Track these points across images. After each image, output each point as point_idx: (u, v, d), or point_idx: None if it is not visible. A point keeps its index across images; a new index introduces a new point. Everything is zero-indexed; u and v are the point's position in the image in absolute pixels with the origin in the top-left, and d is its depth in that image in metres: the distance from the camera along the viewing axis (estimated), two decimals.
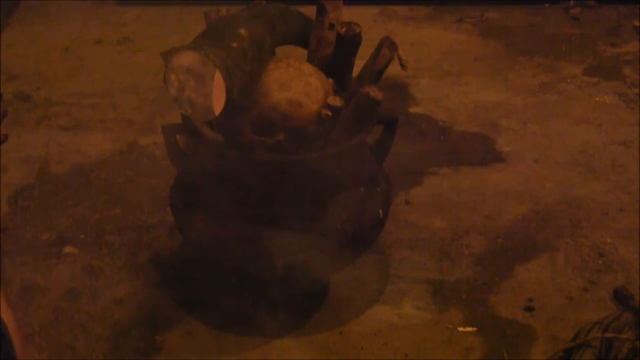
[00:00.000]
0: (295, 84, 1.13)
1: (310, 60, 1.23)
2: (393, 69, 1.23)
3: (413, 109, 1.97)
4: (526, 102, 2.01)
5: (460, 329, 1.30)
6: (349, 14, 1.23)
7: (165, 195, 1.35)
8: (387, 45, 1.20)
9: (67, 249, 1.47)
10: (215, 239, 1.19)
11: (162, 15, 2.49)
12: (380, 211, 1.24)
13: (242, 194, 1.16)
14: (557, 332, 1.28)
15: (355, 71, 1.23)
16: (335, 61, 1.21)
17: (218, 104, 1.09)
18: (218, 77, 1.06)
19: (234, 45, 1.12)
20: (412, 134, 1.86)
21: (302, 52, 1.26)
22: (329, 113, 1.10)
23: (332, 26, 1.21)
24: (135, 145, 1.81)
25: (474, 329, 1.29)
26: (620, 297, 1.34)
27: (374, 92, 1.12)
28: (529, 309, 1.33)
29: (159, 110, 1.92)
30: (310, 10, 1.24)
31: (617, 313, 1.24)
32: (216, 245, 1.20)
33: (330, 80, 1.20)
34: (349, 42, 1.19)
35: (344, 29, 1.18)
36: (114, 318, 1.31)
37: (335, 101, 1.10)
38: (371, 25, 2.41)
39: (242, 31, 1.13)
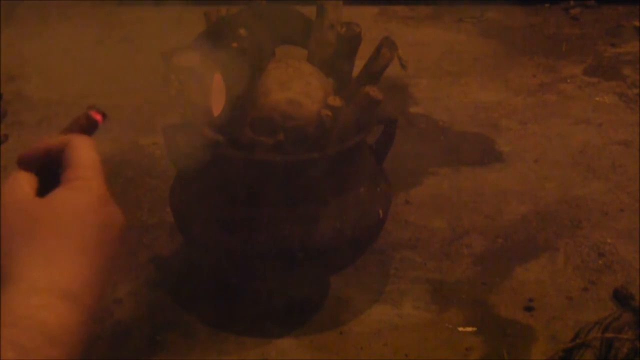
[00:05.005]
0: (295, 84, 1.13)
1: (310, 60, 1.23)
2: (393, 69, 1.23)
3: (413, 109, 1.97)
4: (526, 102, 2.01)
5: (460, 329, 1.30)
6: (349, 14, 1.23)
7: (165, 195, 1.35)
8: (387, 45, 1.20)
9: None
10: (215, 239, 1.19)
11: (162, 16, 2.48)
12: (380, 211, 1.24)
13: (242, 194, 1.16)
14: (557, 332, 1.28)
15: (355, 71, 1.23)
16: (335, 61, 1.21)
17: (218, 104, 1.09)
18: (218, 77, 1.07)
19: (234, 45, 1.12)
20: (412, 134, 1.86)
21: (302, 52, 1.26)
22: (329, 113, 1.10)
23: (332, 26, 1.21)
24: (135, 145, 1.81)
25: (474, 329, 1.29)
26: (620, 297, 1.34)
27: (374, 92, 1.12)
28: (529, 309, 1.33)
29: (159, 110, 1.92)
30: (310, 10, 1.24)
31: (617, 313, 1.24)
32: (216, 245, 1.20)
33: (330, 80, 1.20)
34: (349, 42, 1.19)
35: (344, 29, 1.18)
36: (114, 318, 1.31)
37: (335, 101, 1.10)
38: (371, 25, 2.41)
39: (242, 31, 1.13)
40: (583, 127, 1.89)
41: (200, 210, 1.20)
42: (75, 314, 0.54)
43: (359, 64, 1.23)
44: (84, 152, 0.62)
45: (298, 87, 1.13)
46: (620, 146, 1.81)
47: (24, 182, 0.61)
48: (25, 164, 0.63)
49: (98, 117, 0.68)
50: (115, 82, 2.09)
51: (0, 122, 1.90)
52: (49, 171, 0.63)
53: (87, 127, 0.67)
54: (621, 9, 2.53)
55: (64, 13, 2.53)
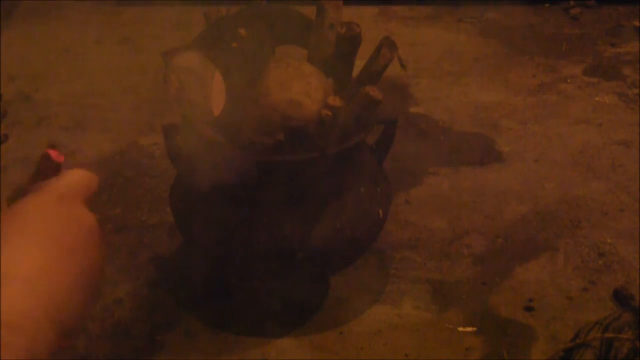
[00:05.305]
0: (295, 84, 1.13)
1: (310, 60, 1.23)
2: (393, 69, 1.23)
3: (413, 109, 1.97)
4: (526, 102, 2.01)
5: (460, 329, 1.30)
6: (349, 14, 1.23)
7: (165, 195, 1.35)
8: (387, 45, 1.20)
9: None
10: (215, 239, 1.19)
11: (162, 15, 2.49)
12: (380, 211, 1.24)
13: (242, 194, 1.16)
14: (557, 332, 1.28)
15: (355, 71, 1.23)
16: (335, 61, 1.21)
17: (218, 104, 1.09)
18: (218, 77, 1.07)
19: (234, 45, 1.12)
20: (412, 134, 1.86)
21: (302, 52, 1.26)
22: (329, 113, 1.10)
23: (332, 26, 1.21)
24: (135, 145, 1.81)
25: (474, 329, 1.29)
26: (620, 297, 1.34)
27: (374, 92, 1.12)
28: (529, 309, 1.33)
29: (159, 110, 1.92)
30: (310, 10, 1.24)
31: (617, 313, 1.24)
32: (216, 245, 1.20)
33: (330, 80, 1.20)
34: (349, 42, 1.19)
35: (344, 29, 1.18)
36: (114, 318, 1.31)
37: (335, 101, 1.10)
38: (371, 25, 2.41)
39: (242, 31, 1.13)
40: (583, 127, 1.89)
41: (200, 210, 1.20)
42: (31, 299, 0.53)
43: (359, 64, 1.23)
44: (69, 171, 0.64)
45: (298, 87, 1.13)
46: (620, 146, 1.81)
47: None
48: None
49: (54, 153, 0.68)
50: (115, 82, 2.09)
51: (0, 122, 1.90)
52: None
53: (53, 169, 0.67)
54: (621, 9, 2.53)
55: (64, 13, 2.53)
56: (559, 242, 1.49)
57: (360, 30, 1.19)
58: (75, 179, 0.64)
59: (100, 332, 1.28)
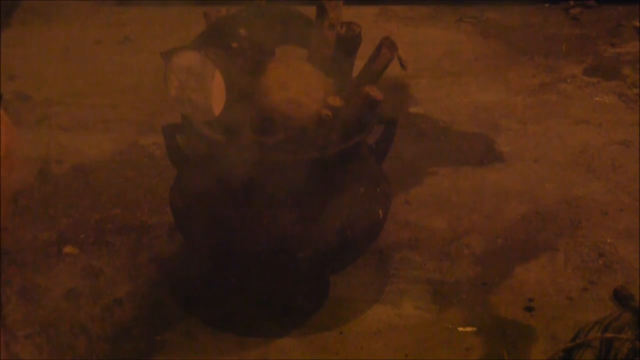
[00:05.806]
0: (295, 84, 1.13)
1: (310, 60, 1.23)
2: (393, 69, 1.23)
3: (413, 109, 1.97)
4: (526, 102, 2.01)
5: (460, 329, 1.30)
6: (349, 14, 1.23)
7: (165, 195, 1.35)
8: (387, 45, 1.20)
9: (67, 249, 1.47)
10: (215, 239, 1.19)
11: (162, 15, 2.49)
12: (380, 211, 1.24)
13: (242, 194, 1.16)
14: (557, 332, 1.28)
15: (355, 71, 1.23)
16: (335, 61, 1.21)
17: (218, 104, 1.09)
18: (218, 77, 1.07)
19: (234, 45, 1.13)
20: (412, 134, 1.86)
21: (302, 52, 1.26)
22: (329, 113, 1.10)
23: (332, 26, 1.21)
24: (135, 145, 1.81)
25: (474, 329, 1.29)
26: (620, 297, 1.34)
27: (374, 92, 1.12)
28: (529, 309, 1.33)
29: (159, 110, 1.92)
30: (310, 10, 1.24)
31: (617, 313, 1.24)
32: (216, 245, 1.20)
33: (330, 80, 1.20)
34: (349, 42, 1.19)
35: (344, 29, 1.18)
36: (114, 318, 1.31)
37: (335, 101, 1.10)
38: (371, 25, 2.41)
39: (242, 31, 1.14)
40: (583, 127, 1.89)
41: (200, 210, 1.20)
42: None
43: (359, 64, 1.23)
44: None
45: (298, 87, 1.13)
46: (620, 146, 1.81)
47: None
48: None
49: None
50: (115, 81, 2.10)
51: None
52: None
53: None
54: (621, 9, 2.53)
55: (64, 13, 2.53)
56: (559, 242, 1.49)
57: (360, 30, 1.19)
58: None
59: (100, 332, 1.28)
